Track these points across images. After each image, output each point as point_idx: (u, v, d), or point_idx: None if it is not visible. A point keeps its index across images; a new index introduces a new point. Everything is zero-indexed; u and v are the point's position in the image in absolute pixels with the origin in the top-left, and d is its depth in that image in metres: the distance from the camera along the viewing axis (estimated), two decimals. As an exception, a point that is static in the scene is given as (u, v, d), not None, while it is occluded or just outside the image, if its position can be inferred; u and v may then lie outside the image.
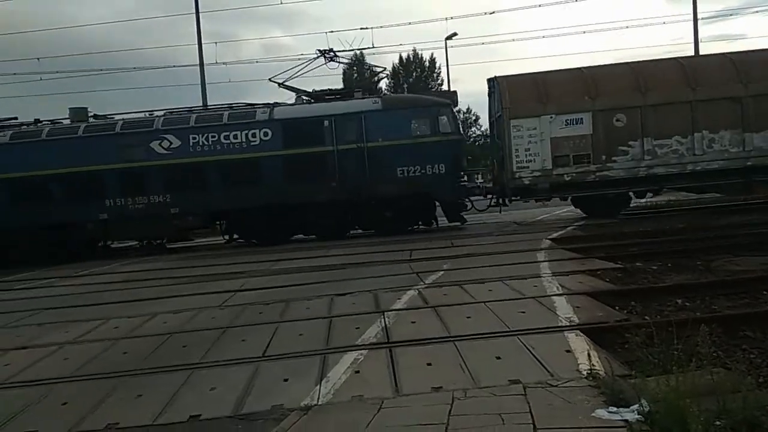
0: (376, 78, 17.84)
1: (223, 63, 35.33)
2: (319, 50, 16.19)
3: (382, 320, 5.29)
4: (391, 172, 14.02)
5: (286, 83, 15.73)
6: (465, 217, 14.75)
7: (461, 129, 15.92)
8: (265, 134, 14.33)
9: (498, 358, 4.04)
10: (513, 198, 14.74)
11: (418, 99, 16.14)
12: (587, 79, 14.02)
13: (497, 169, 15.34)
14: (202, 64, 21.38)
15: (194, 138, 14.40)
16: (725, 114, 13.34)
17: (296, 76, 15.86)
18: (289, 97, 15.79)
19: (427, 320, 5.23)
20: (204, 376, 4.13)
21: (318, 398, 3.53)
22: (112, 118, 15.54)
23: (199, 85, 21.63)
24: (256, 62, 49.05)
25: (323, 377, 3.90)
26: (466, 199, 14.76)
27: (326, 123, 14.23)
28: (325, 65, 16.33)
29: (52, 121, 15.70)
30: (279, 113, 14.59)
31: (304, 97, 15.53)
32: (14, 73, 31.49)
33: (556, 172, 13.83)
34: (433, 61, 45.03)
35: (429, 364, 4.00)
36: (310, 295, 6.87)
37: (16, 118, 16.06)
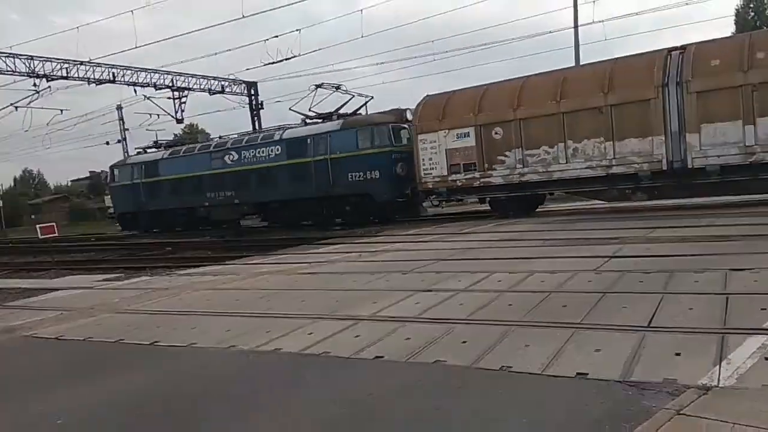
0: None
1: (600, 21, 34.01)
2: (315, 84, 21.00)
3: (798, 304, 4.46)
4: (344, 177, 18.48)
5: (296, 108, 21.05)
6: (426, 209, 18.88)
7: (401, 141, 18.03)
8: (278, 150, 20.24)
9: None
10: (431, 199, 17.49)
11: (364, 119, 19.44)
12: (476, 97, 15.91)
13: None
14: (576, 26, 21.08)
15: (244, 153, 21.23)
16: (587, 124, 14.00)
17: (316, 104, 20.74)
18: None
19: None
20: (587, 337, 4.20)
21: (718, 380, 3.22)
22: (215, 139, 24.31)
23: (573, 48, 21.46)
24: (636, 15, 45.20)
25: (723, 358, 3.53)
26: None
27: (308, 141, 19.43)
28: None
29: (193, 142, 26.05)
30: (285, 134, 20.41)
31: (307, 120, 20.53)
32: (413, 57, 36.43)
33: (451, 178, 16.22)
34: None
35: None
36: (699, 268, 6.23)
37: (182, 142, 26.36)
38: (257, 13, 38.86)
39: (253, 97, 34.51)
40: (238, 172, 21.31)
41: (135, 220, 25.99)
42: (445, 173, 16.23)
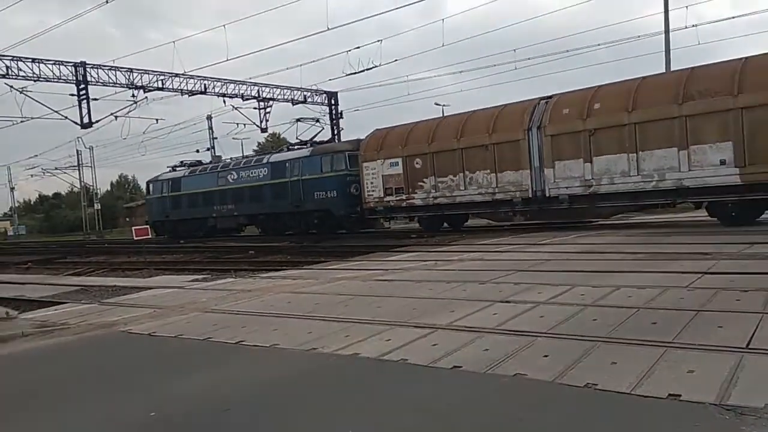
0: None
1: (693, 26, 32.46)
2: (295, 118, 26.42)
3: None
4: (311, 195, 22.79)
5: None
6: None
7: (356, 166, 21.16)
8: (265, 171, 24.96)
9: None
10: (369, 216, 21.17)
11: (327, 147, 23.93)
12: (405, 133, 19.53)
13: None
14: (667, 31, 20.18)
15: (241, 173, 25.94)
16: (478, 158, 17.37)
17: (301, 133, 26.74)
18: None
19: None
20: (680, 356, 3.99)
21: (829, 409, 2.98)
22: (226, 160, 29.47)
23: (663, 53, 20.53)
24: (733, 18, 42.67)
25: (835, 386, 3.26)
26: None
27: (287, 164, 23.98)
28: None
29: (210, 162, 30.87)
30: (271, 159, 25.27)
31: (289, 147, 26.00)
32: (494, 65, 36.09)
33: (386, 199, 19.83)
34: None
35: None
36: (805, 288, 5.78)
37: (200, 162, 31.22)
38: (341, 26, 39.75)
39: (333, 107, 35.32)
40: (237, 189, 26.19)
41: (164, 227, 30.90)
42: (382, 195, 20.03)
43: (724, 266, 7.63)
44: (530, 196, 16.37)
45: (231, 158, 28.97)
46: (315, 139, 25.53)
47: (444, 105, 39.93)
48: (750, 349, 4.07)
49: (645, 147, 14.21)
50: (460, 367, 4.23)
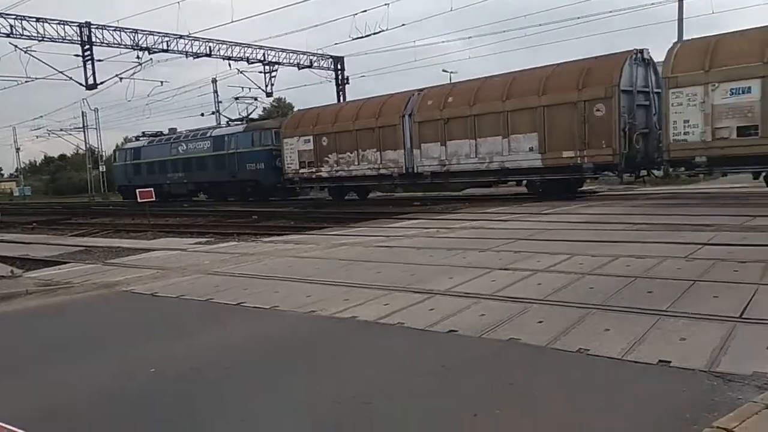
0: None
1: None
2: (234, 96, 30.09)
3: None
4: (244, 166, 25.56)
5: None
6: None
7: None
8: (208, 144, 27.76)
9: None
10: (288, 186, 23.94)
11: (257, 124, 26.98)
12: (315, 114, 22.76)
13: None
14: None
15: (190, 145, 28.90)
16: (367, 139, 20.32)
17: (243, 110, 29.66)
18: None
19: None
20: (672, 325, 4.04)
21: (816, 378, 3.02)
22: (179, 132, 31.55)
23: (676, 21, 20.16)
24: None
25: (823, 356, 3.30)
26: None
27: (225, 138, 26.84)
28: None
29: (169, 131, 32.54)
30: (213, 132, 28.27)
31: (230, 122, 29.34)
32: (503, 31, 35.46)
33: (300, 171, 22.56)
34: None
35: None
36: (802, 260, 5.79)
37: (161, 133, 32.89)
38: (346, -12, 38.78)
39: (339, 72, 34.93)
40: (186, 159, 28.96)
41: (128, 191, 32.19)
42: (297, 167, 22.65)
43: (724, 238, 7.63)
44: (404, 171, 19.44)
45: (186, 131, 31.56)
46: (251, 115, 29.26)
47: (452, 72, 39.44)
48: (743, 318, 4.10)
49: (481, 135, 17.25)
50: (456, 331, 4.30)
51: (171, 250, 10.51)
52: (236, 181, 26.11)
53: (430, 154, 18.44)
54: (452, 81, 28.88)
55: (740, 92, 12.56)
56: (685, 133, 13.29)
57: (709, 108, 12.87)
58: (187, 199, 29.61)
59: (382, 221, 13.54)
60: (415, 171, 18.97)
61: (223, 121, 34.50)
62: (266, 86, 33.60)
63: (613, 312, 4.46)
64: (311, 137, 21.95)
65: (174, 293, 6.35)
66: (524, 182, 17.95)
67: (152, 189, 16.17)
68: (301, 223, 15.69)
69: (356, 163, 20.60)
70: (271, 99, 38.47)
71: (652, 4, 22.03)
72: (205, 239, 12.56)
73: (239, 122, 28.07)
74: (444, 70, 39.44)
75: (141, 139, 33.75)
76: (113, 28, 27.43)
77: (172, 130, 33.42)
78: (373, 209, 18.06)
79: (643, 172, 16.00)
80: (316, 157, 21.80)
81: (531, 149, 16.17)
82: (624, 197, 16.12)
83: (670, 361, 3.39)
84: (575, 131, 15.26)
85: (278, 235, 12.22)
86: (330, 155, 21.37)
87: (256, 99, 30.42)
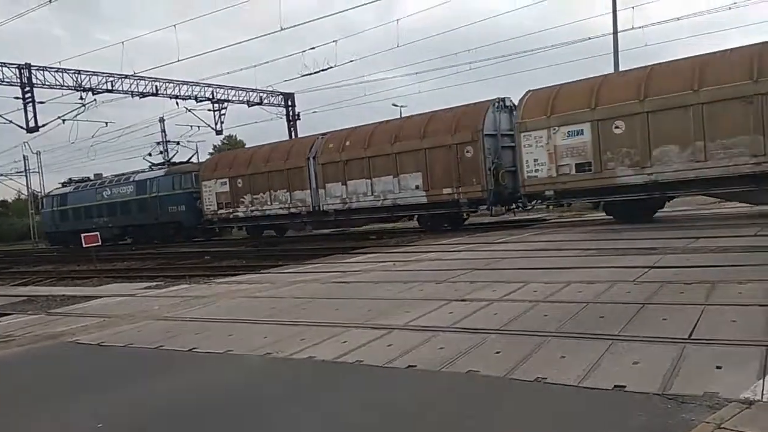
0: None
1: (639, 27, 33.60)
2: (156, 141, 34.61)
3: None
4: (166, 209, 26.83)
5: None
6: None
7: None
8: (131, 188, 28.70)
9: None
10: (208, 227, 25.21)
11: (178, 168, 27.91)
12: (230, 156, 25.84)
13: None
14: (615, 32, 20.77)
15: (113, 190, 29.74)
16: (278, 180, 21.62)
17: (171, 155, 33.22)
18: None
19: None
20: (625, 349, 4.11)
21: (762, 394, 3.11)
22: (104, 178, 32.21)
23: (612, 54, 21.16)
24: (677, 20, 43.90)
25: (766, 372, 3.41)
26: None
27: (147, 182, 27.87)
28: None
29: (95, 177, 33.40)
30: (136, 177, 29.03)
31: (152, 166, 30.63)
32: (450, 66, 36.61)
33: (219, 212, 23.63)
34: None
35: None
36: (742, 279, 6.04)
37: (88, 178, 33.53)
38: (295, 26, 39.24)
39: (290, 108, 35.03)
40: (110, 203, 29.83)
41: (56, 237, 33.97)
42: (216, 208, 23.75)
43: (669, 260, 7.91)
44: (311, 210, 20.72)
45: (112, 175, 32.44)
46: (173, 159, 31.16)
47: (402, 106, 40.15)
48: (692, 339, 4.22)
49: (375, 175, 18.77)
50: (415, 366, 4.26)
51: (119, 296, 10.14)
52: (159, 223, 27.23)
53: (334, 194, 19.89)
54: (402, 115, 29.48)
55: (575, 134, 14.44)
56: (535, 171, 15.17)
57: (553, 148, 14.75)
58: (115, 243, 29.79)
59: (338, 257, 13.46)
60: (321, 209, 20.36)
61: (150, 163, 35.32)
62: (216, 124, 33.36)
63: (568, 339, 4.52)
64: (227, 179, 23.33)
65: (122, 342, 6.09)
66: (416, 217, 19.45)
67: (98, 233, 15.64)
68: (255, 262, 15.43)
69: (269, 203, 21.94)
70: (221, 137, 38.16)
71: (589, 38, 23.05)
72: (154, 283, 12.17)
73: (161, 166, 29.78)
74: (394, 104, 40.14)
75: (67, 185, 34.68)
76: (55, 69, 26.85)
77: (98, 176, 33.62)
78: (329, 245, 17.99)
79: (513, 206, 17.71)
80: (233, 198, 23.14)
81: (417, 187, 17.91)
82: (573, 224, 16.55)
83: (625, 386, 3.45)
84: (451, 170, 17.11)
85: (232, 275, 11.97)
86: (245, 196, 22.71)
87: (178, 143, 33.55)
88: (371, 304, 6.71)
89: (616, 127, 13.76)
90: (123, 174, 31.25)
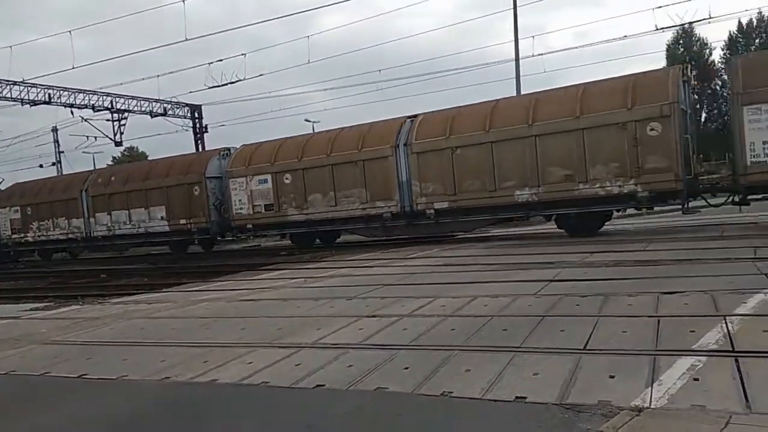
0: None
1: (539, 54, 35.59)
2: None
3: (724, 325, 4.67)
4: None
5: None
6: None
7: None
8: None
9: None
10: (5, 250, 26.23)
11: None
12: (27, 188, 26.84)
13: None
14: (517, 59, 21.87)
15: None
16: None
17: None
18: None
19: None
20: (526, 360, 4.25)
21: (650, 401, 3.31)
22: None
23: (514, 79, 22.23)
24: (576, 48, 47.25)
25: (655, 380, 3.63)
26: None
27: None
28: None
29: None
30: None
31: None
32: (360, 84, 36.94)
33: (13, 236, 25.76)
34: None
35: (791, 383, 3.40)
36: (632, 291, 6.45)
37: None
38: (201, 36, 38.29)
39: (197, 120, 33.95)
40: None
41: None
42: (11, 234, 25.70)
43: (567, 274, 8.31)
44: (84, 236, 23.49)
45: None
46: None
47: (314, 122, 40.07)
48: (587, 350, 4.44)
49: (132, 207, 22.25)
50: (323, 385, 4.18)
51: (1, 319, 9.27)
52: None
53: (102, 222, 22.95)
54: (314, 130, 29.37)
55: (264, 182, 18.81)
56: (240, 208, 19.31)
57: (250, 192, 19.04)
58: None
59: (247, 273, 13.10)
60: (92, 235, 23.33)
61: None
62: (115, 135, 31.70)
63: (473, 352, 4.62)
64: (19, 207, 25.52)
65: (2, 369, 5.55)
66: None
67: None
68: (157, 280, 14.67)
69: (52, 229, 24.61)
70: (121, 148, 36.29)
71: (491, 63, 24.06)
72: (43, 304, 11.24)
73: None
74: (306, 120, 39.99)
75: None
76: (-68, 73, 24.50)
77: None
78: (238, 261, 17.46)
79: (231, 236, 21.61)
80: (23, 225, 25.45)
81: (162, 218, 21.54)
82: (478, 239, 17.07)
83: (525, 397, 3.55)
84: (187, 205, 20.82)
85: (130, 294, 11.30)
86: (34, 222, 25.18)
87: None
88: (281, 322, 6.54)
89: (287, 179, 18.36)
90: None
